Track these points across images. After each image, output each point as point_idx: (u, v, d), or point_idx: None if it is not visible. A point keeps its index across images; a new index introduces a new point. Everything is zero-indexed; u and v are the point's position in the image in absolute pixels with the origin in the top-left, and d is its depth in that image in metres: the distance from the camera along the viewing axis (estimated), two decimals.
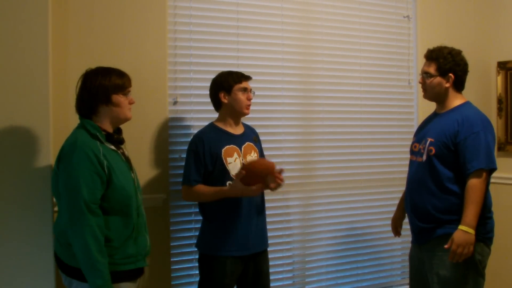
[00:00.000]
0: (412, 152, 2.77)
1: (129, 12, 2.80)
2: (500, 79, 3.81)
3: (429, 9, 3.67)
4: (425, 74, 2.66)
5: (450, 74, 2.61)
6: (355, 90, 3.48)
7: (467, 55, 3.90)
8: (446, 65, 2.60)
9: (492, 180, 3.81)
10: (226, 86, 2.65)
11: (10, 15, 2.39)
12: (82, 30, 2.69)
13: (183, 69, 2.97)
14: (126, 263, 2.15)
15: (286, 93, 3.26)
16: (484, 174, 2.49)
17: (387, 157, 3.53)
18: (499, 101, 3.82)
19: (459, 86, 2.67)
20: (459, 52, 2.67)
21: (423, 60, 2.73)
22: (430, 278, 2.62)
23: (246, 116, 2.73)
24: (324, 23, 3.37)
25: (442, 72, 2.62)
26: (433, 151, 2.57)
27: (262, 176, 2.53)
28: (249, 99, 2.67)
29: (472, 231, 2.44)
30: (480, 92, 3.86)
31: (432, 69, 2.63)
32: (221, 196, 2.57)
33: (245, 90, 2.66)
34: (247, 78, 2.69)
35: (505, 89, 3.79)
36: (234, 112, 2.68)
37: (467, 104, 2.66)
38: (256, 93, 2.90)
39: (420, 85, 2.75)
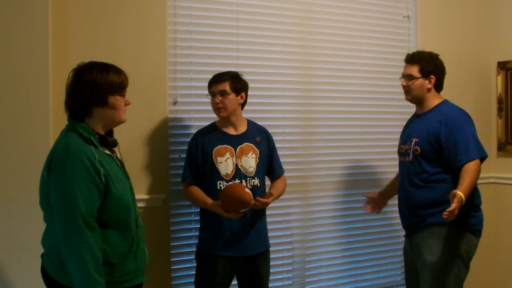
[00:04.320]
0: (400, 154, 2.92)
1: (129, 12, 2.80)
2: (500, 79, 3.81)
3: (429, 9, 3.67)
4: (407, 77, 2.81)
5: (432, 76, 2.76)
6: (355, 90, 3.48)
7: (467, 55, 3.92)
8: (428, 67, 2.76)
9: (492, 180, 3.85)
10: (208, 90, 2.73)
11: (10, 15, 2.40)
12: (82, 30, 2.69)
13: (183, 69, 2.97)
14: (124, 280, 1.97)
15: (286, 93, 3.26)
16: (478, 161, 2.61)
17: (387, 157, 3.52)
18: (499, 101, 3.82)
19: (438, 87, 2.82)
20: (437, 56, 2.82)
21: None
22: (418, 264, 2.74)
23: (221, 117, 2.71)
24: (324, 23, 3.37)
25: (424, 74, 2.76)
26: (419, 151, 2.73)
27: (237, 207, 2.53)
28: (215, 103, 2.67)
29: (464, 198, 2.46)
30: (480, 92, 3.86)
31: (414, 71, 2.78)
32: (206, 208, 2.64)
33: (212, 94, 2.70)
34: (214, 81, 2.70)
35: (505, 89, 3.79)
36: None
37: (445, 102, 2.81)
38: (256, 93, 2.95)
39: None
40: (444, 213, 2.41)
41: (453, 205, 2.39)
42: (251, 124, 2.82)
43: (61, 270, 1.89)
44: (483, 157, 2.65)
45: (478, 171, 2.60)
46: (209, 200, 2.61)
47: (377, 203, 3.11)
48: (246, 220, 2.65)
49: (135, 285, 2.03)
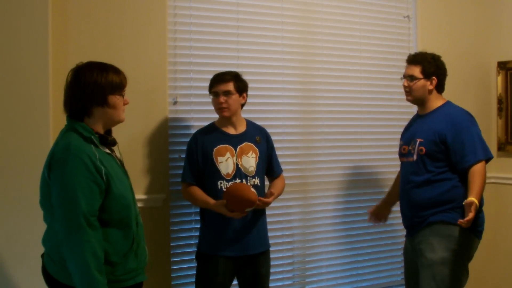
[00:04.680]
0: (401, 155, 2.91)
1: (129, 12, 2.80)
2: (500, 79, 3.81)
3: (429, 9, 3.67)
4: (409, 77, 2.79)
5: (434, 77, 2.76)
6: (355, 90, 3.48)
7: (467, 55, 3.91)
8: (430, 68, 2.76)
9: (492, 180, 3.85)
10: (209, 89, 2.72)
11: (10, 15, 2.40)
12: (82, 30, 2.69)
13: (183, 69, 2.97)
14: (126, 279, 1.98)
15: (286, 93, 3.26)
16: (483, 163, 2.63)
17: (387, 157, 3.52)
18: (499, 101, 3.82)
19: (440, 88, 2.81)
20: (439, 57, 2.81)
21: None
22: (418, 263, 2.73)
23: (224, 117, 2.70)
24: (324, 23, 3.37)
25: (426, 75, 2.76)
26: (424, 151, 2.72)
27: (243, 207, 2.54)
28: (219, 103, 2.66)
29: (478, 204, 2.53)
30: (480, 92, 3.86)
31: (416, 72, 2.77)
32: (208, 208, 2.63)
33: (216, 94, 2.68)
34: (217, 81, 2.68)
35: (505, 89, 3.79)
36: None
37: (448, 103, 2.81)
38: (256, 93, 2.94)
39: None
40: (462, 221, 2.46)
41: (471, 214, 2.44)
42: (250, 123, 2.82)
43: (63, 270, 1.89)
44: (488, 158, 2.66)
45: (485, 172, 2.61)
46: (211, 200, 2.60)
47: (380, 213, 3.10)
48: (247, 220, 2.65)
49: (136, 284, 2.03)
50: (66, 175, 1.83)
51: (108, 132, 2.08)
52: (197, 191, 2.66)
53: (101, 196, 1.88)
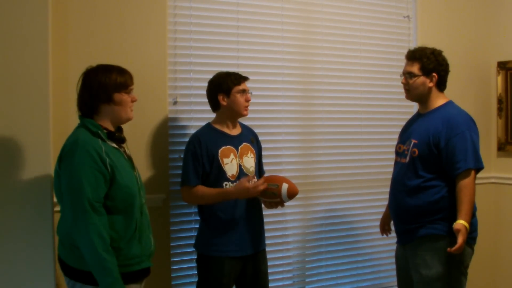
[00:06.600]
0: (397, 153, 2.82)
1: (129, 12, 2.80)
2: (500, 79, 3.81)
3: (429, 9, 3.67)
4: (408, 74, 2.69)
5: (434, 74, 2.64)
6: (355, 90, 3.48)
7: (467, 55, 3.91)
8: (430, 64, 2.63)
9: (492, 180, 3.86)
10: (225, 88, 2.63)
11: (10, 15, 2.39)
12: (82, 30, 2.69)
13: (183, 69, 2.97)
14: (131, 264, 2.11)
15: (286, 93, 3.26)
16: (473, 173, 2.52)
17: (387, 157, 3.51)
18: (499, 101, 3.82)
19: (441, 85, 2.70)
20: (440, 52, 2.69)
21: None
22: (413, 277, 2.66)
23: (245, 117, 2.73)
24: (324, 23, 3.37)
25: (426, 71, 2.64)
26: (416, 153, 2.62)
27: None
28: (247, 101, 2.67)
29: (468, 226, 2.48)
30: (480, 92, 3.86)
31: (415, 69, 2.65)
32: (224, 196, 2.56)
33: (243, 91, 2.65)
34: (245, 79, 2.69)
35: (505, 89, 3.79)
36: (233, 114, 2.68)
37: (449, 103, 2.69)
38: (256, 93, 2.91)
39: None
40: (451, 250, 2.41)
41: (459, 242, 2.39)
42: (241, 124, 2.82)
43: (71, 254, 2.06)
44: (479, 168, 2.55)
45: (474, 185, 2.52)
46: (228, 188, 2.57)
47: (386, 227, 3.02)
48: (249, 219, 2.64)
49: (142, 269, 2.17)
50: (73, 165, 2.00)
51: (119, 130, 2.23)
52: (206, 188, 2.60)
53: (106, 185, 2.03)
